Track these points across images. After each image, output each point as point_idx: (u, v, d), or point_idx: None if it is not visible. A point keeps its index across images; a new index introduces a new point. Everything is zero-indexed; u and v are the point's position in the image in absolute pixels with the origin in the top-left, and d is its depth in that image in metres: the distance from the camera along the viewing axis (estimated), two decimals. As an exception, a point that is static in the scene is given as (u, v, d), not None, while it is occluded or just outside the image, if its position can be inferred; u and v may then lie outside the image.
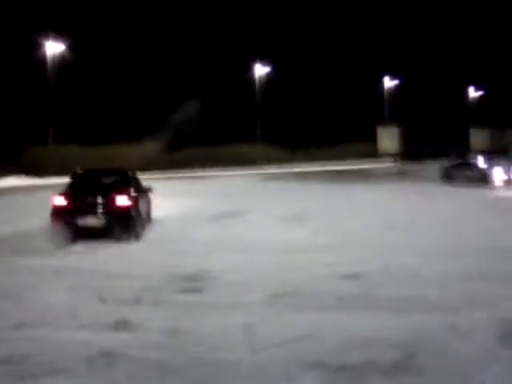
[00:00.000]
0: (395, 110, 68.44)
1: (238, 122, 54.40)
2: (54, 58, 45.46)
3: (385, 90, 70.71)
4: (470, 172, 31.01)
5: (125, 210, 13.98)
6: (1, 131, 43.03)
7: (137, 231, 14.20)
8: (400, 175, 40.47)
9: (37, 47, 45.51)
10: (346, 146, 60.81)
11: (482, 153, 45.61)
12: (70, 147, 43.45)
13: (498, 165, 31.82)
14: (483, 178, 29.93)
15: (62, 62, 45.56)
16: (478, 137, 66.46)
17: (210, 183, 32.21)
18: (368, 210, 19.18)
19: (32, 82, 45.66)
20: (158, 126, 47.19)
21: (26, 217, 16.50)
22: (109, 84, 50.47)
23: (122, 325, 7.20)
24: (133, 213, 14.15)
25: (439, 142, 56.26)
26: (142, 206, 15.14)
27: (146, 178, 18.35)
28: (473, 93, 79.62)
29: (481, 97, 79.32)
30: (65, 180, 15.91)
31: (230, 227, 15.54)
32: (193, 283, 9.39)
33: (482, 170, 30.93)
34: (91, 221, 13.81)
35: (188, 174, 39.81)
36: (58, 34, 44.98)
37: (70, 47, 45.79)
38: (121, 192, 14.26)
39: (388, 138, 61.60)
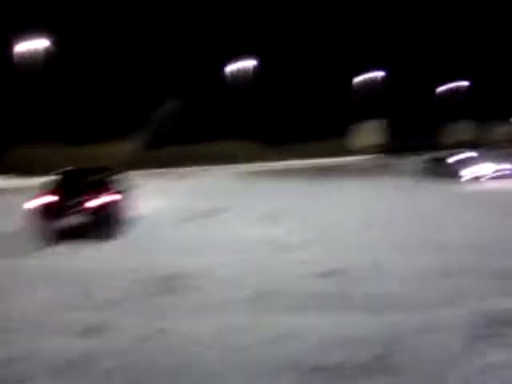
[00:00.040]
0: (377, 104, 68.59)
1: (219, 118, 54.34)
2: (37, 55, 45.07)
3: (365, 85, 70.84)
4: (447, 166, 31.24)
5: (105, 209, 14.10)
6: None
7: (117, 230, 14.31)
8: (380, 169, 40.63)
9: (20, 44, 45.14)
10: (326, 141, 60.96)
11: (467, 146, 45.90)
12: (54, 146, 43.16)
13: (484, 158, 32.02)
14: (457, 173, 30.15)
15: (45, 59, 45.20)
16: (461, 130, 66.89)
17: (190, 181, 32.15)
18: (345, 206, 19.20)
19: (12, 79, 45.25)
20: (139, 124, 47.03)
21: (5, 217, 16.43)
22: (90, 82, 50.20)
23: (97, 329, 7.19)
24: (113, 212, 14.26)
25: (421, 136, 56.61)
26: (123, 204, 15.23)
27: (126, 177, 18.32)
28: (456, 86, 79.98)
29: (461, 91, 79.71)
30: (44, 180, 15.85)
31: (207, 226, 15.56)
32: (172, 285, 9.38)
33: (457, 165, 31.14)
34: (71, 220, 13.93)
35: (169, 172, 39.72)
36: (42, 30, 44.65)
37: (52, 45, 45.43)
38: (101, 191, 14.38)
39: (370, 133, 61.80)
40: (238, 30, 58.39)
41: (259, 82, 58.55)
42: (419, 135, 56.86)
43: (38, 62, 45.21)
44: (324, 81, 62.00)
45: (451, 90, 78.25)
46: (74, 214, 13.93)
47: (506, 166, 30.67)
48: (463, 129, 67.44)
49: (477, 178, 29.60)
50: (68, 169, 16.86)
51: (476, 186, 27.13)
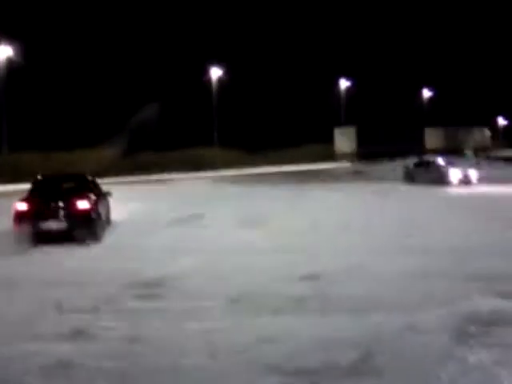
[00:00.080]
0: (351, 111, 69.16)
1: (196, 125, 54.38)
2: (1, 62, 44.53)
3: (341, 92, 71.41)
4: (430, 171, 31.76)
5: (86, 214, 14.29)
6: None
7: (97, 234, 14.51)
8: (356, 175, 40.91)
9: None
10: (303, 148, 61.33)
11: (438, 152, 46.59)
12: (28, 154, 42.85)
13: (455, 164, 32.73)
14: (442, 178, 30.68)
15: (11, 66, 44.69)
16: (432, 136, 67.48)
17: (168, 187, 32.16)
18: (323, 211, 19.31)
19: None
20: (115, 131, 46.91)
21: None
22: (66, 89, 49.99)
23: (78, 334, 7.14)
24: (93, 216, 14.48)
25: (395, 142, 57.01)
26: (101, 209, 15.46)
27: (104, 183, 18.33)
28: (426, 94, 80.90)
29: (432, 98, 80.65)
30: (22, 187, 15.88)
31: (188, 232, 15.56)
32: (151, 289, 9.35)
33: (441, 169, 31.67)
34: (53, 225, 14.10)
35: (146, 179, 39.65)
36: (8, 38, 44.31)
37: (21, 52, 45.01)
38: (81, 196, 14.59)
39: (345, 139, 62.11)
40: (215, 37, 58.56)
41: (236, 91, 58.72)
42: (391, 142, 57.30)
43: (3, 70, 44.42)
44: (300, 89, 62.42)
45: (421, 98, 79.23)
46: (51, 218, 14.03)
47: (472, 171, 31.56)
48: (434, 135, 68.09)
49: (465, 181, 30.35)
50: (46, 174, 17.09)
51: (461, 190, 27.60)
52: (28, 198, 14.62)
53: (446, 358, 6.00)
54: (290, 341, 6.69)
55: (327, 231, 15.14)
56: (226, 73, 58.84)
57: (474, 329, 6.87)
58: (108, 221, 16.56)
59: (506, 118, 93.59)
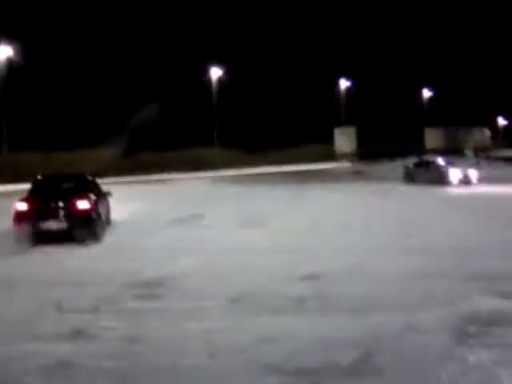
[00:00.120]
0: (351, 111, 69.16)
1: (196, 125, 54.37)
2: (1, 62, 44.53)
3: (341, 92, 71.41)
4: (430, 171, 31.78)
5: (86, 214, 14.30)
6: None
7: (97, 234, 14.50)
8: (356, 175, 40.90)
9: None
10: (303, 148, 61.30)
11: (438, 152, 46.58)
12: (28, 154, 42.83)
13: (455, 164, 32.76)
14: (442, 178, 30.70)
15: (11, 66, 44.69)
16: (432, 136, 67.45)
17: (168, 187, 32.16)
18: (323, 211, 19.28)
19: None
20: (115, 131, 46.89)
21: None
22: (66, 89, 49.97)
23: (78, 334, 7.13)
24: (94, 216, 14.49)
25: (395, 142, 56.99)
26: (101, 209, 15.46)
27: (104, 183, 18.34)
28: (426, 94, 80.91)
29: (432, 98, 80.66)
30: (22, 187, 15.87)
31: (188, 232, 15.54)
32: (151, 289, 9.34)
33: (441, 169, 31.69)
34: (53, 225, 14.11)
35: (146, 179, 39.65)
36: (8, 38, 44.33)
37: (21, 52, 45.01)
38: (81, 196, 14.59)
39: (345, 139, 62.09)
40: (215, 37, 58.54)
41: (236, 91, 58.70)
42: (391, 142, 57.27)
43: (3, 70, 44.38)
44: (299, 89, 62.37)
45: (421, 98, 79.17)
46: (51, 218, 14.04)
47: (472, 171, 31.59)
48: (434, 135, 68.06)
49: (465, 181, 30.40)
50: (46, 174, 17.12)
51: (461, 190, 27.61)
52: (28, 198, 14.62)
53: (445, 358, 6.00)
54: (289, 341, 6.69)
55: (327, 231, 15.14)
56: (226, 73, 58.88)
57: (474, 329, 6.88)
58: (108, 221, 16.55)
59: (506, 118, 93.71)
